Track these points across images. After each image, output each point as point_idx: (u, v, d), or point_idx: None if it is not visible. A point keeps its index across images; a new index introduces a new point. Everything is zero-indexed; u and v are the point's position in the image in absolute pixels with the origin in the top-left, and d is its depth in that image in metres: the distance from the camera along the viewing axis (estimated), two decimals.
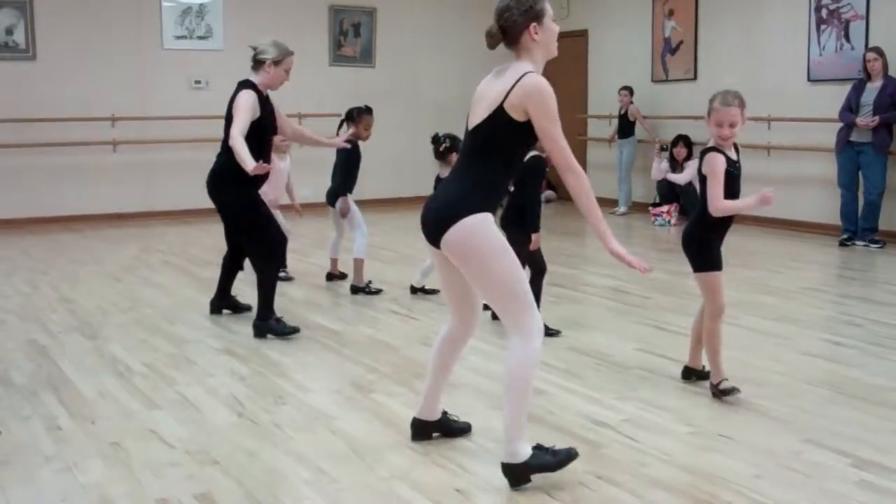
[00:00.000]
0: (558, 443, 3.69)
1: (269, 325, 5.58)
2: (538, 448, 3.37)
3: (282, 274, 6.82)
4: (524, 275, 3.38)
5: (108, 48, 11.08)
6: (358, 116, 6.91)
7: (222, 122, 5.63)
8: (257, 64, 5.64)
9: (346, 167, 6.90)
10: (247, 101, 5.46)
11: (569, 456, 3.38)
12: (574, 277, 7.54)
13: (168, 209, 11.24)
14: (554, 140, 3.26)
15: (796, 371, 4.84)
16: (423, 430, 3.79)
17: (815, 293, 6.94)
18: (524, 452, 3.31)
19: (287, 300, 6.69)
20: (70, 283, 7.38)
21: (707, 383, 4.44)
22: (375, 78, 12.72)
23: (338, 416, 4.15)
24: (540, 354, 3.33)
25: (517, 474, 3.32)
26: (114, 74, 11.11)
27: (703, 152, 4.26)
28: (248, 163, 5.20)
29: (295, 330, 5.60)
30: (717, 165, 4.16)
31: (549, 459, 3.35)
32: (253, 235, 5.67)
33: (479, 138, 3.33)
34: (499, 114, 3.25)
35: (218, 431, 3.99)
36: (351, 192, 6.94)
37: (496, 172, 3.34)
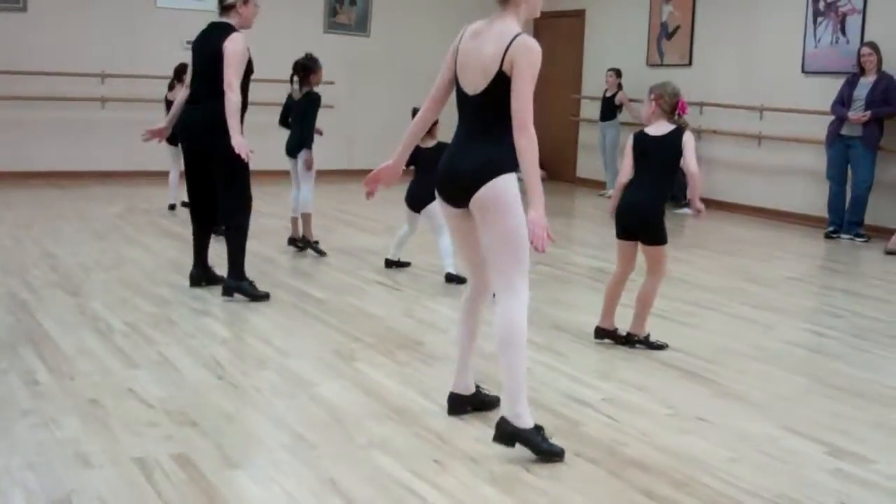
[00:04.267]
0: (539, 420, 3.71)
1: (241, 285, 5.59)
2: (538, 427, 3.41)
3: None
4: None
5: (100, 3, 10.94)
6: (314, 64, 6.93)
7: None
8: (227, 8, 5.53)
9: (309, 117, 6.93)
10: (242, 50, 5.39)
11: (556, 453, 3.39)
12: (560, 257, 7.53)
13: (155, 169, 11.12)
14: (525, 99, 3.29)
15: (777, 359, 4.86)
16: (458, 405, 3.79)
17: (798, 283, 6.97)
18: (527, 421, 3.39)
19: (272, 266, 6.67)
20: (53, 238, 7.32)
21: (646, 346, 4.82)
22: (370, 47, 12.62)
23: (319, 384, 4.14)
24: (526, 313, 3.41)
25: (509, 435, 3.38)
26: (105, 30, 10.97)
27: (680, 132, 4.77)
28: (239, 141, 5.22)
29: (266, 295, 5.60)
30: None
31: (541, 443, 3.39)
32: (238, 184, 5.54)
33: (489, 104, 3.37)
34: (500, 78, 3.31)
35: (197, 393, 3.97)
36: (310, 147, 7.00)
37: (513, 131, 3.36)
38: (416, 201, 6.45)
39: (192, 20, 11.59)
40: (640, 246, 4.82)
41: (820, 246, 8.71)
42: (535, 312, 5.52)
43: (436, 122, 6.06)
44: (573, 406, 3.97)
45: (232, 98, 5.30)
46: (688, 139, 4.73)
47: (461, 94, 3.47)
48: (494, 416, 3.57)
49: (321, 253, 7.05)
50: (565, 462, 3.36)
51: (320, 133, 7.25)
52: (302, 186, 7.06)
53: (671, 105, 4.75)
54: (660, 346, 4.86)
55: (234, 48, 5.37)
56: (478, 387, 3.84)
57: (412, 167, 6.43)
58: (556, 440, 3.48)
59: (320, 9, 12.33)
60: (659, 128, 4.78)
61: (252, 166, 5.67)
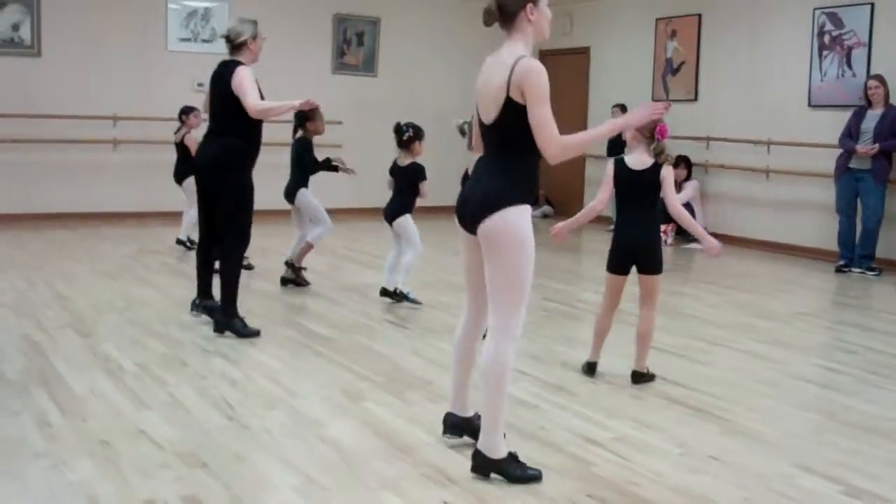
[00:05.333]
0: (549, 459, 3.70)
1: (233, 323, 5.69)
2: (512, 456, 3.53)
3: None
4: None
5: (112, 47, 11.09)
6: (312, 112, 7.04)
7: None
8: (238, 47, 5.70)
9: (301, 162, 7.18)
10: (250, 76, 5.57)
11: (532, 478, 3.50)
12: (568, 293, 7.54)
13: (166, 210, 11.21)
14: (541, 120, 3.33)
15: (789, 396, 4.84)
16: (455, 426, 3.82)
17: (810, 318, 6.94)
18: (501, 452, 3.50)
19: (282, 305, 6.69)
20: (66, 280, 7.36)
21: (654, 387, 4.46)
22: (377, 87, 12.74)
23: (328, 424, 4.14)
24: (514, 354, 3.48)
25: (484, 466, 3.51)
26: (117, 74, 11.12)
27: (659, 167, 4.69)
28: (289, 104, 5.65)
29: (256, 333, 5.67)
30: None
31: (514, 471, 3.50)
32: (242, 220, 5.70)
33: (501, 133, 3.44)
34: (508, 105, 3.36)
35: (207, 434, 3.97)
36: (307, 187, 7.21)
37: (529, 161, 3.45)
38: (388, 213, 6.73)
39: (203, 63, 11.73)
40: (638, 277, 4.81)
41: (831, 280, 8.68)
42: (543, 350, 5.55)
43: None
44: (584, 445, 3.95)
45: (256, 107, 5.49)
46: (666, 175, 4.68)
47: (481, 125, 3.57)
48: None
49: (303, 282, 7.19)
50: None
51: (351, 171, 7.50)
52: (317, 225, 7.23)
53: (650, 130, 4.66)
54: (652, 377, 4.93)
55: (240, 80, 5.53)
56: (477, 414, 3.80)
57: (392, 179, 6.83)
58: (567, 480, 3.46)
59: (328, 50, 12.46)
60: (639, 160, 4.72)
61: (260, 206, 5.78)
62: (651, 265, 4.77)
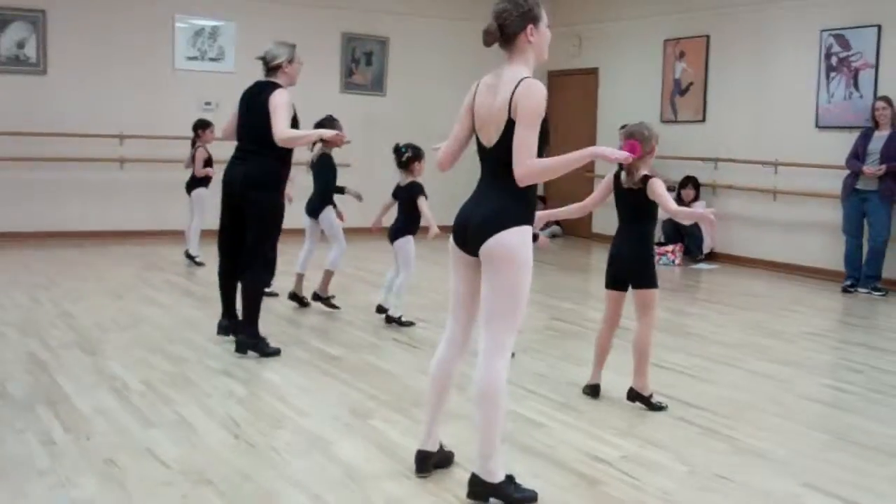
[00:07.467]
0: (557, 478, 3.68)
1: (256, 343, 5.65)
2: (509, 478, 3.46)
3: (267, 290, 6.78)
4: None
5: (119, 66, 11.13)
6: (332, 126, 6.97)
7: (233, 144, 5.72)
8: (273, 70, 5.73)
9: (328, 177, 7.24)
10: (286, 102, 5.56)
11: (529, 499, 3.46)
12: (576, 312, 7.53)
13: (173, 228, 11.24)
14: (522, 142, 3.30)
15: (795, 415, 4.81)
16: (426, 462, 3.71)
17: (816, 338, 6.91)
18: (499, 475, 3.42)
19: (288, 323, 6.68)
20: (71, 298, 7.37)
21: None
22: (386, 106, 12.77)
23: (335, 442, 4.13)
24: (507, 371, 3.40)
25: (482, 491, 3.43)
26: (124, 92, 11.16)
27: (646, 180, 4.76)
28: (317, 133, 5.86)
29: (277, 351, 5.66)
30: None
31: (513, 493, 3.44)
32: (269, 242, 5.67)
33: (503, 154, 3.36)
34: (510, 127, 3.34)
35: (213, 452, 3.96)
36: (332, 205, 7.23)
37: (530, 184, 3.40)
38: (391, 233, 6.77)
39: (210, 82, 11.87)
40: (631, 292, 4.81)
41: (837, 300, 8.65)
42: (551, 368, 5.54)
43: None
44: (592, 464, 3.93)
45: (283, 134, 5.46)
46: (652, 186, 4.72)
47: (480, 147, 3.52)
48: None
49: (335, 307, 7.13)
50: None
51: (358, 198, 7.79)
52: (333, 246, 7.20)
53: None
54: (660, 408, 4.75)
55: (279, 101, 5.53)
56: (440, 444, 3.77)
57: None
58: (575, 499, 3.44)
59: (336, 69, 12.51)
60: (629, 178, 4.80)
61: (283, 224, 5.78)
62: (641, 279, 4.77)
